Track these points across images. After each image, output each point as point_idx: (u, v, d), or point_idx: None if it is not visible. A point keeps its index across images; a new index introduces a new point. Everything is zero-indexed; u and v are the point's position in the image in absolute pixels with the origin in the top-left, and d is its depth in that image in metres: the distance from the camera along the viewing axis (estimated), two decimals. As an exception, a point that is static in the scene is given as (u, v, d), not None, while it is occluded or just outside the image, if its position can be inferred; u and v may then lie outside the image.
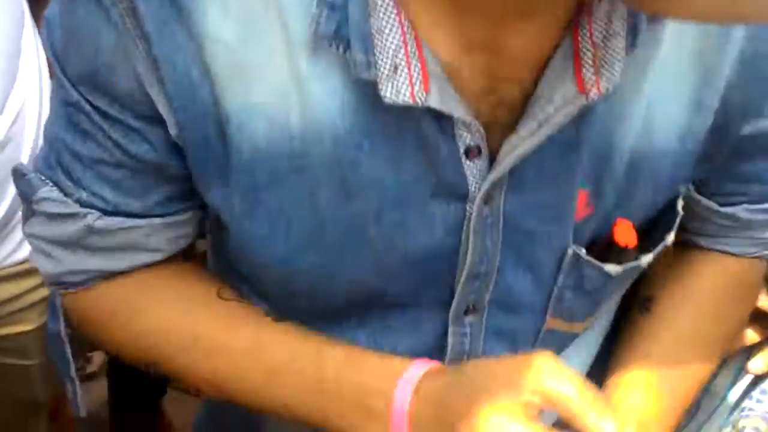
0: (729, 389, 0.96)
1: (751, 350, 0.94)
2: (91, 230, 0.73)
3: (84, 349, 0.92)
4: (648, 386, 0.82)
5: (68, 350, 0.82)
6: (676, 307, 0.85)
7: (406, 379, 0.70)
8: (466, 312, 0.76)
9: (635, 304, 0.87)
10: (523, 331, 0.79)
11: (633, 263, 0.77)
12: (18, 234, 1.19)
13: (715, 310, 0.85)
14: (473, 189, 0.69)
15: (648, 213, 0.77)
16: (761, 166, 0.79)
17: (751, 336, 0.93)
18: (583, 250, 0.75)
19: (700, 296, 0.85)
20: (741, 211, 0.81)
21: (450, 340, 0.78)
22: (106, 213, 0.73)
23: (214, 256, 0.85)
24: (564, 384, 0.66)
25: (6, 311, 1.23)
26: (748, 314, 0.89)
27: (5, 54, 1.05)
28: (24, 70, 1.09)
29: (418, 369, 0.71)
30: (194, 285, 0.79)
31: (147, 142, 0.69)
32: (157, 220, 0.74)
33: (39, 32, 1.12)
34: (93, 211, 0.73)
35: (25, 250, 1.19)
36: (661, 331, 0.85)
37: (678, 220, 0.78)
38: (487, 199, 0.70)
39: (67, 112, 0.70)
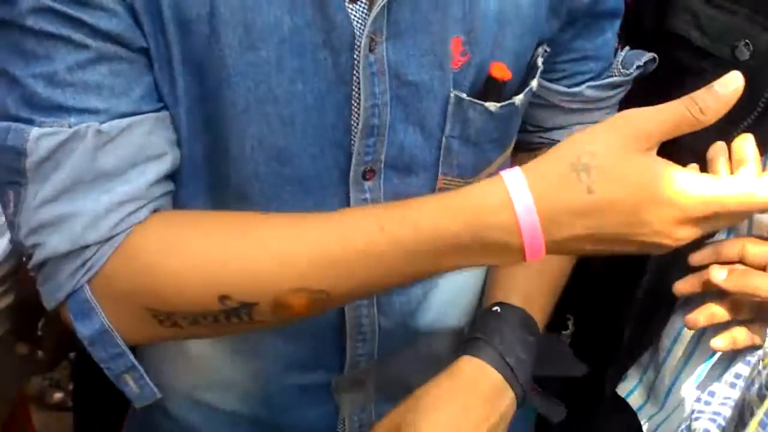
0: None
1: None
2: (98, 142, 0.73)
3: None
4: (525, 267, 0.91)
5: (119, 339, 0.78)
6: None
7: (510, 180, 0.72)
8: (365, 177, 0.81)
9: None
10: (417, 193, 0.84)
11: (508, 102, 0.84)
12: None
13: None
14: (358, 34, 0.75)
15: (518, 62, 0.85)
16: (597, 42, 0.91)
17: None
18: (464, 94, 0.82)
19: None
20: (586, 89, 0.94)
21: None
22: (102, 123, 0.74)
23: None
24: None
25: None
26: None
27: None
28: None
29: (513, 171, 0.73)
30: (229, 213, 0.79)
31: (113, 14, 0.72)
32: (152, 115, 0.77)
33: None
34: (91, 122, 0.73)
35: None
36: None
37: (539, 73, 0.86)
38: (372, 46, 0.76)
39: (23, 41, 0.71)
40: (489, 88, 0.84)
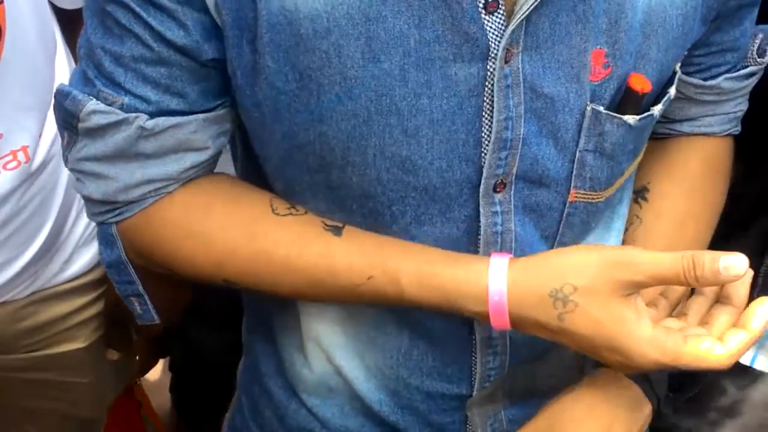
0: None
1: None
2: (141, 133, 0.77)
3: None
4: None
5: (132, 271, 0.86)
6: (670, 192, 0.92)
7: (494, 272, 0.76)
8: (495, 189, 0.79)
9: (633, 195, 0.93)
10: (549, 206, 0.82)
11: (647, 113, 0.81)
12: (65, 252, 1.22)
13: (703, 189, 0.93)
14: (494, 46, 0.72)
15: (662, 74, 0.82)
16: (735, 33, 0.88)
17: None
18: (602, 107, 0.79)
19: (690, 178, 0.92)
20: (723, 81, 0.90)
21: (482, 221, 0.80)
22: (151, 115, 0.77)
23: (246, 167, 0.89)
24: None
25: (57, 329, 1.27)
26: (727, 189, 0.95)
27: (39, 78, 1.09)
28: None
29: (497, 261, 0.76)
30: (247, 203, 0.83)
31: (182, 26, 0.73)
32: (201, 116, 0.79)
33: (74, 57, 1.18)
34: (140, 114, 0.77)
35: (74, 268, 1.22)
36: (660, 216, 0.91)
37: (677, 78, 0.84)
38: (507, 57, 0.73)
39: (106, 15, 0.74)
40: (627, 100, 0.80)
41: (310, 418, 0.95)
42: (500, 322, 0.76)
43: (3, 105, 1.04)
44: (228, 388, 1.08)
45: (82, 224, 1.23)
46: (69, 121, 0.79)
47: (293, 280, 0.81)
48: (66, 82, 1.12)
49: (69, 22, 1.16)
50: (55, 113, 0.81)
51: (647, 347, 0.74)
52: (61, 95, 0.79)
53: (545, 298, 0.74)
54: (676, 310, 0.83)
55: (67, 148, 0.81)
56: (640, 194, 0.92)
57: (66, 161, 0.82)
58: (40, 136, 1.09)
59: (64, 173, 1.16)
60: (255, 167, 0.85)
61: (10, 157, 1.07)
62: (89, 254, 1.25)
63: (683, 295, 0.85)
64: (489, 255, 0.78)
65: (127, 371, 1.41)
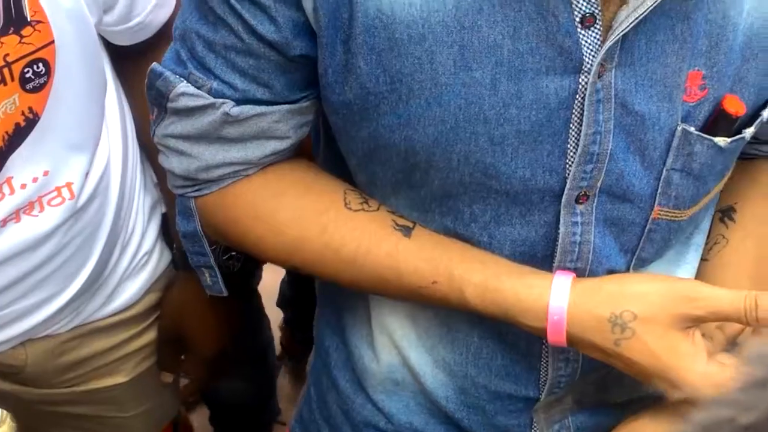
0: None
1: None
2: (226, 119, 0.81)
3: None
4: (741, 285, 0.86)
5: (206, 244, 0.91)
6: (758, 214, 0.92)
7: (556, 291, 0.78)
8: (578, 200, 0.79)
9: (718, 213, 0.93)
10: (630, 221, 0.82)
11: (739, 136, 0.80)
12: (109, 287, 1.21)
13: None
14: (587, 60, 0.73)
15: (758, 97, 0.81)
16: None
17: None
18: (693, 128, 0.78)
19: None
20: None
21: (561, 229, 0.81)
22: (237, 102, 0.80)
23: (327, 157, 0.91)
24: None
25: (99, 364, 1.25)
26: None
27: (88, 116, 1.08)
28: (108, 130, 1.13)
29: (561, 280, 0.78)
30: (321, 194, 0.86)
31: (273, 21, 0.76)
32: (285, 107, 0.82)
33: (126, 93, 1.18)
34: (227, 100, 0.80)
35: (117, 302, 1.20)
36: (747, 238, 0.91)
37: None
38: (600, 72, 0.73)
39: (202, 3, 0.78)
40: (719, 122, 0.80)
41: (376, 412, 0.97)
42: (557, 339, 0.78)
43: (51, 143, 1.03)
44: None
45: (127, 258, 1.21)
46: (159, 100, 0.83)
47: (358, 275, 0.84)
48: (116, 118, 1.12)
49: (121, 57, 1.15)
50: (146, 91, 0.85)
51: (700, 382, 0.75)
52: (154, 74, 0.83)
53: (604, 322, 0.76)
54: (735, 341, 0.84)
55: (154, 122, 0.85)
56: (726, 213, 0.92)
57: (153, 134, 0.87)
58: (87, 174, 1.07)
59: (110, 210, 1.15)
60: (337, 158, 0.87)
61: (55, 194, 1.06)
62: (133, 288, 1.23)
63: (741, 330, 0.83)
64: (553, 272, 0.80)
65: (170, 408, 1.39)
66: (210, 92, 0.80)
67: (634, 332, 0.76)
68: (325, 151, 0.92)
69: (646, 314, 0.76)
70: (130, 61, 1.15)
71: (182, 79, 0.81)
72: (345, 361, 0.98)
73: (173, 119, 0.83)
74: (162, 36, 1.12)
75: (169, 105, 0.82)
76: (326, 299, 1.03)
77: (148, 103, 0.86)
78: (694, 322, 0.76)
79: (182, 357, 1.33)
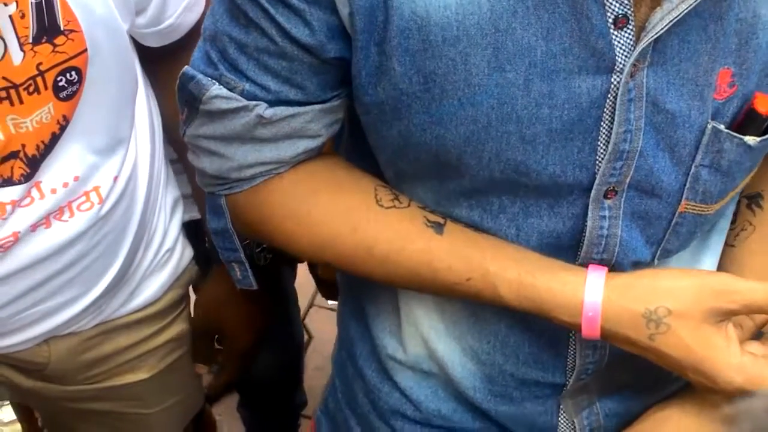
0: None
1: None
2: (260, 121, 0.81)
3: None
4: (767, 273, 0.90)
5: (236, 240, 0.92)
6: None
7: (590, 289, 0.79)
8: (606, 195, 0.80)
9: (745, 200, 0.93)
10: (657, 214, 0.83)
11: None
12: (131, 284, 1.21)
13: None
14: (620, 60, 0.73)
15: None
16: None
17: None
18: (722, 126, 0.78)
19: None
20: None
21: (589, 223, 0.81)
22: (270, 103, 0.80)
23: (353, 150, 0.91)
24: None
25: (122, 360, 1.25)
26: None
27: (118, 121, 1.08)
28: (136, 131, 1.12)
29: (593, 278, 0.79)
30: (352, 192, 0.86)
31: (307, 25, 0.75)
32: (317, 107, 0.82)
33: (156, 93, 1.17)
34: (260, 102, 0.80)
35: (139, 299, 1.20)
36: None
37: None
38: (633, 72, 0.74)
39: (234, 5, 0.77)
40: (749, 121, 0.80)
41: (404, 400, 0.97)
42: (591, 333, 0.79)
43: (81, 149, 1.02)
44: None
45: (150, 255, 1.21)
46: (191, 102, 0.83)
47: (391, 272, 0.84)
48: (144, 118, 1.10)
49: (150, 58, 1.14)
50: (177, 92, 0.84)
51: (734, 374, 0.77)
52: (185, 77, 0.83)
53: (638, 318, 0.77)
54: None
55: (185, 122, 0.85)
56: (753, 200, 0.92)
57: (183, 134, 0.86)
58: (115, 178, 1.06)
59: (137, 211, 1.14)
60: (362, 151, 0.87)
61: (84, 198, 1.06)
62: (155, 285, 1.23)
63: None
64: (586, 266, 0.81)
65: (195, 403, 1.39)
66: (242, 94, 0.80)
67: (669, 327, 0.77)
68: (349, 144, 0.92)
69: (680, 309, 0.77)
70: (159, 61, 1.14)
71: (214, 81, 0.81)
72: (371, 350, 0.99)
73: (205, 120, 0.83)
74: (191, 37, 1.11)
75: (202, 107, 0.82)
76: (348, 290, 1.03)
77: (178, 103, 0.86)
78: (727, 315, 0.77)
79: (216, 348, 1.35)
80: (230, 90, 0.80)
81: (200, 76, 0.81)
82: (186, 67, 0.83)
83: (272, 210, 0.87)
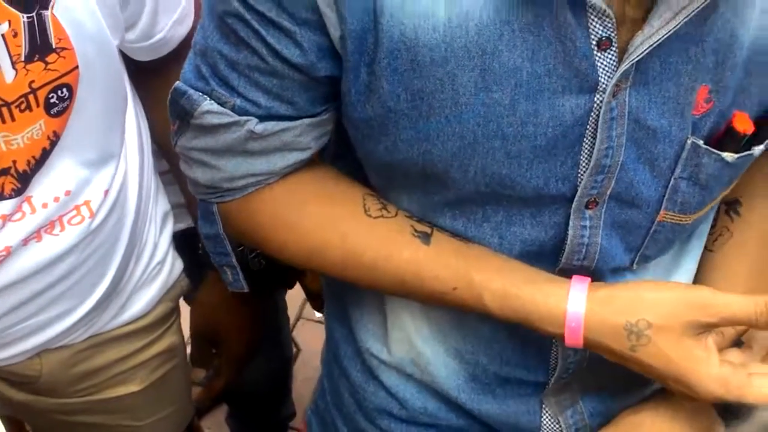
0: None
1: None
2: (251, 136, 0.82)
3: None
4: (741, 279, 0.93)
5: (228, 245, 0.94)
6: (763, 210, 0.95)
7: (573, 298, 0.81)
8: (587, 206, 0.82)
9: (724, 206, 0.95)
10: (637, 223, 0.85)
11: (747, 152, 0.82)
12: (122, 297, 1.21)
13: None
14: (603, 81, 0.75)
15: (761, 108, 0.82)
16: None
17: None
18: (701, 141, 0.80)
19: None
20: None
21: (570, 232, 0.83)
22: (260, 118, 0.82)
23: (338, 157, 0.92)
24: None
25: (113, 373, 1.26)
26: None
27: (108, 135, 1.09)
28: (125, 144, 1.13)
29: (577, 289, 0.81)
30: (341, 202, 0.88)
31: (298, 46, 0.77)
32: (307, 121, 0.83)
33: (146, 105, 1.19)
34: (251, 117, 0.82)
35: (130, 312, 1.21)
36: (752, 233, 0.94)
37: None
38: (615, 92, 0.75)
39: (224, 24, 0.78)
40: (728, 138, 0.82)
41: (389, 399, 0.99)
42: (574, 343, 0.81)
43: (72, 163, 1.03)
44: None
45: (140, 269, 1.22)
46: (182, 116, 0.84)
47: (379, 280, 0.86)
48: (133, 132, 1.11)
49: (140, 71, 1.15)
50: (169, 106, 0.86)
51: (713, 385, 0.79)
52: (177, 93, 0.84)
53: (620, 330, 0.79)
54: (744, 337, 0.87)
55: (176, 134, 0.87)
56: (731, 207, 0.94)
57: (174, 144, 0.88)
58: (106, 192, 1.07)
59: (128, 224, 1.15)
60: (349, 161, 0.89)
61: (74, 212, 1.06)
62: (146, 298, 1.24)
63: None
64: (567, 272, 0.83)
65: (185, 416, 1.40)
66: (233, 109, 0.81)
67: (649, 339, 0.79)
68: (335, 151, 0.93)
69: (660, 322, 0.79)
70: (149, 74, 1.15)
71: (206, 96, 0.82)
72: (355, 351, 1.00)
73: (197, 133, 0.84)
74: (182, 49, 1.12)
75: (193, 121, 0.83)
76: (331, 293, 1.05)
77: (169, 115, 0.87)
78: (707, 328, 0.79)
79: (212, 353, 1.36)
80: (221, 105, 0.81)
81: (191, 91, 0.83)
82: (178, 82, 0.85)
83: (263, 219, 0.88)
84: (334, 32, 0.75)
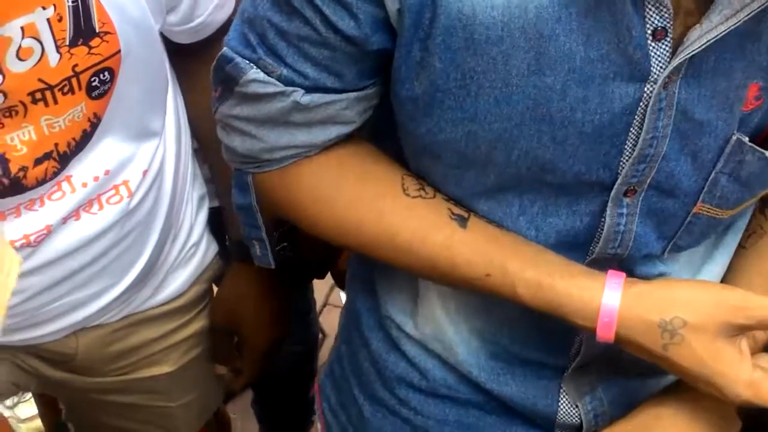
0: None
1: None
2: (296, 107, 0.81)
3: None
4: None
5: (259, 218, 0.93)
6: None
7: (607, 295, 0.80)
8: (626, 194, 0.82)
9: (759, 203, 0.93)
10: (672, 213, 0.84)
11: None
12: (158, 277, 1.22)
13: None
14: (655, 71, 0.74)
15: None
16: None
17: None
18: (746, 138, 0.80)
19: None
20: None
21: (607, 221, 0.83)
22: (306, 90, 0.81)
23: (378, 132, 0.91)
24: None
25: (147, 353, 1.27)
26: None
27: (148, 117, 1.10)
28: (164, 126, 1.14)
29: (611, 288, 0.80)
30: (379, 180, 0.87)
31: (354, 18, 0.76)
32: (353, 95, 0.82)
33: (183, 88, 1.19)
34: (297, 88, 0.81)
35: (165, 292, 1.22)
36: None
37: None
38: (666, 83, 0.75)
39: None
40: None
41: (410, 369, 0.99)
42: (606, 337, 0.80)
43: (112, 144, 1.04)
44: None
45: (176, 249, 1.23)
46: (226, 82, 0.83)
47: (412, 262, 0.86)
48: (171, 113, 1.12)
49: (179, 54, 1.15)
50: (213, 72, 0.85)
51: (744, 389, 0.79)
52: (224, 59, 0.83)
53: (653, 327, 0.79)
54: None
55: (218, 100, 0.85)
56: (767, 205, 0.93)
57: (215, 111, 0.87)
58: (144, 172, 1.08)
59: (164, 204, 1.16)
60: (390, 145, 0.88)
61: (113, 192, 1.08)
62: (181, 279, 1.25)
63: None
64: (600, 261, 0.84)
65: (215, 399, 1.41)
66: (280, 79, 0.80)
67: (683, 338, 0.78)
68: (375, 133, 0.92)
69: (695, 321, 0.78)
70: (188, 57, 1.16)
71: (252, 65, 0.81)
72: (378, 322, 1.00)
73: (239, 101, 0.83)
74: (221, 33, 1.12)
75: (238, 89, 0.82)
76: (358, 264, 1.04)
77: (212, 80, 0.86)
78: (743, 330, 0.79)
79: (236, 348, 1.34)
80: (267, 74, 0.80)
81: (239, 59, 0.82)
82: (225, 49, 0.84)
83: (299, 192, 0.88)
84: (392, 5, 0.74)
